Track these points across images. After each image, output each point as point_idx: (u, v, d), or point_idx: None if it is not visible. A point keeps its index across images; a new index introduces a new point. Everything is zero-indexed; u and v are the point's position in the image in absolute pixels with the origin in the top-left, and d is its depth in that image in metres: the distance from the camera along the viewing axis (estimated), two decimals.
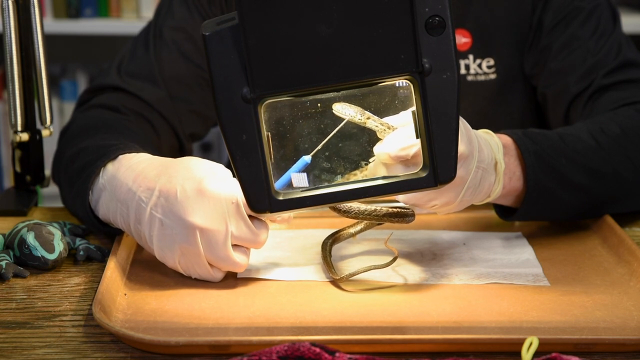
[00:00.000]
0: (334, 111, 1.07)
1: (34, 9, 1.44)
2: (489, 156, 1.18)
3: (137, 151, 1.26)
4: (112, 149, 1.26)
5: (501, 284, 1.17)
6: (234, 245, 1.15)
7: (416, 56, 0.98)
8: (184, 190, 1.13)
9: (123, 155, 1.24)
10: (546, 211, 1.30)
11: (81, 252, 1.25)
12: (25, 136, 1.47)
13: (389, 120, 1.09)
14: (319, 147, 1.08)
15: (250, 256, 1.19)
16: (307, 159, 1.08)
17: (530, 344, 0.97)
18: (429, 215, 1.38)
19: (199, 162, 1.17)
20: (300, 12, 0.96)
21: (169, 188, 1.15)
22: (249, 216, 1.14)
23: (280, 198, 1.02)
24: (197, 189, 1.13)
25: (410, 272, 1.20)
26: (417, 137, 1.03)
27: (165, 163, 1.19)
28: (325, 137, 1.09)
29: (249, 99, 0.99)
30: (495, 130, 1.26)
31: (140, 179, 1.18)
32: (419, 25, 0.98)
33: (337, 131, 1.08)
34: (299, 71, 0.97)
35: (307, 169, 1.09)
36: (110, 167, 1.24)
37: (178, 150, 1.57)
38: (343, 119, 1.07)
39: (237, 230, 1.14)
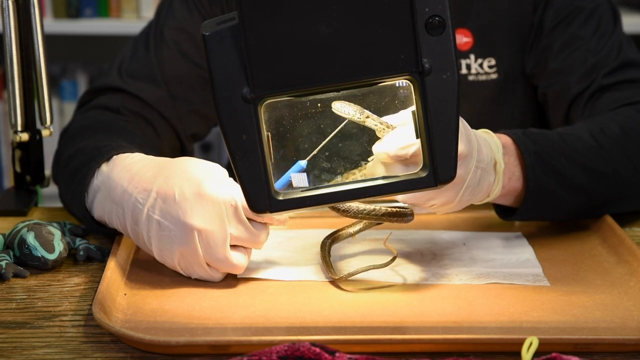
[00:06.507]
0: (333, 109, 1.07)
1: (34, 9, 1.44)
2: (488, 156, 1.18)
3: (132, 151, 1.26)
4: (106, 150, 1.26)
5: (501, 284, 1.17)
6: (234, 246, 1.15)
7: (416, 56, 0.98)
8: (182, 192, 1.13)
9: (117, 156, 1.24)
10: (546, 211, 1.30)
11: (81, 252, 1.25)
12: (25, 136, 1.47)
13: (388, 119, 1.09)
14: (315, 151, 1.08)
15: (251, 256, 1.19)
16: (302, 163, 1.08)
17: (530, 344, 0.97)
18: (429, 215, 1.38)
19: (196, 162, 1.17)
20: (300, 12, 0.95)
21: (166, 190, 1.14)
22: (248, 218, 1.14)
23: (280, 198, 1.02)
24: (196, 192, 1.13)
25: (410, 272, 1.20)
26: (417, 137, 1.03)
27: (161, 164, 1.19)
28: (325, 137, 1.08)
29: (249, 99, 0.98)
30: (496, 130, 1.26)
31: (136, 180, 1.18)
32: (419, 25, 0.98)
33: (335, 132, 1.08)
34: (299, 71, 0.97)
35: (306, 170, 1.09)
36: (105, 168, 1.24)
37: (179, 150, 1.57)
38: (343, 119, 1.07)
39: (236, 232, 1.14)
